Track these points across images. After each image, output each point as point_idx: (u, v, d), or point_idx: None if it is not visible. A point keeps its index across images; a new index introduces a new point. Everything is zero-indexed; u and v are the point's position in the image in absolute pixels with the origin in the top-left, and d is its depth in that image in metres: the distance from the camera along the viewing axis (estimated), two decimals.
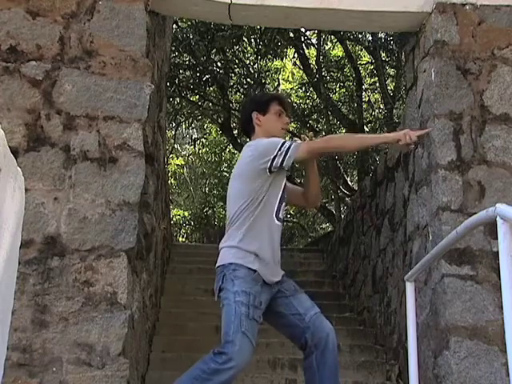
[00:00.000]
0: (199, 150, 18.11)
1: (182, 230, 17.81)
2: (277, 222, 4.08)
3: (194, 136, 18.13)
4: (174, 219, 16.56)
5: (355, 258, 8.05)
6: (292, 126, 14.49)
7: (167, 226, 8.63)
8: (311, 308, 4.02)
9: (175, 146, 17.75)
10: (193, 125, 16.54)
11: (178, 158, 18.58)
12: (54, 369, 4.23)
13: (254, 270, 3.91)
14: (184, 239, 17.46)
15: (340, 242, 9.23)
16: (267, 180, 4.01)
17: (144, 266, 5.22)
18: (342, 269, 8.73)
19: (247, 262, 3.91)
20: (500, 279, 2.93)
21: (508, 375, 2.89)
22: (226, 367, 3.75)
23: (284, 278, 4.12)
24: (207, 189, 17.99)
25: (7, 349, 2.38)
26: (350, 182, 13.96)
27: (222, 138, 16.60)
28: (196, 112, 14.40)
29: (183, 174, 18.57)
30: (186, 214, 17.87)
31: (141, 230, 4.84)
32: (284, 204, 4.17)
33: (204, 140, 17.58)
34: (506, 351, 2.84)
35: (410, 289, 4.46)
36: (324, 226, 16.88)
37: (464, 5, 5.19)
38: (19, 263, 2.48)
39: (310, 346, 3.96)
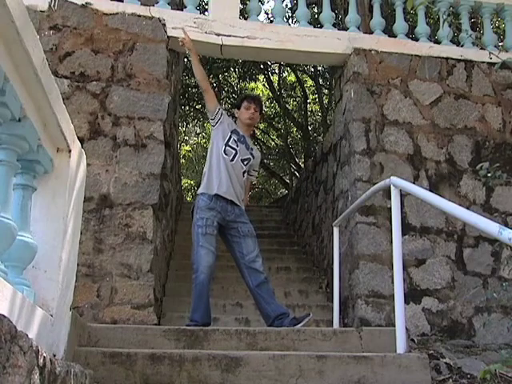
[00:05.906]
0: (201, 140, 17.99)
1: (189, 193, 17.69)
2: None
3: (198, 131, 17.99)
4: (184, 185, 16.47)
5: (301, 212, 8.04)
6: (262, 126, 14.43)
7: (179, 190, 8.62)
8: (252, 252, 3.82)
9: (185, 137, 17.60)
10: (197, 124, 16.40)
11: (186, 146, 18.43)
12: (108, 279, 4.27)
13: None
14: (190, 199, 17.38)
15: (292, 201, 9.21)
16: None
17: (164, 215, 5.22)
18: (293, 219, 8.66)
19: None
20: (391, 225, 3.03)
21: (393, 283, 3.00)
22: (197, 274, 3.70)
23: (243, 218, 3.94)
24: None
25: (77, 265, 2.45)
26: (299, 162, 13.96)
27: None
28: (199, 115, 14.25)
29: (190, 156, 18.42)
30: (192, 182, 17.76)
31: (161, 192, 4.85)
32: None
33: (204, 134, 17.45)
34: (392, 269, 2.94)
35: (336, 231, 4.53)
36: (282, 190, 16.86)
37: (371, 50, 5.23)
38: (84, 212, 2.53)
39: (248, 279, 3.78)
